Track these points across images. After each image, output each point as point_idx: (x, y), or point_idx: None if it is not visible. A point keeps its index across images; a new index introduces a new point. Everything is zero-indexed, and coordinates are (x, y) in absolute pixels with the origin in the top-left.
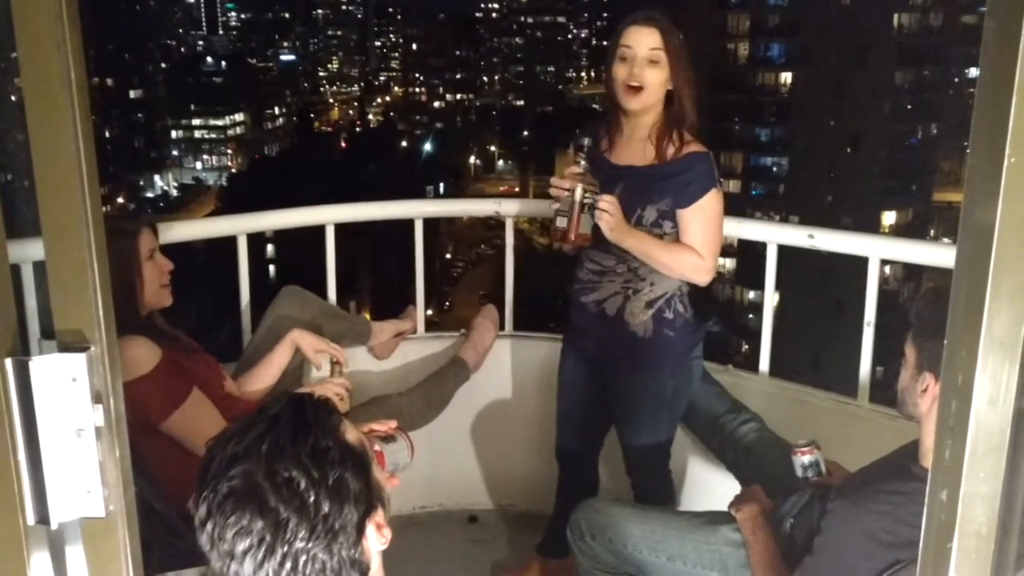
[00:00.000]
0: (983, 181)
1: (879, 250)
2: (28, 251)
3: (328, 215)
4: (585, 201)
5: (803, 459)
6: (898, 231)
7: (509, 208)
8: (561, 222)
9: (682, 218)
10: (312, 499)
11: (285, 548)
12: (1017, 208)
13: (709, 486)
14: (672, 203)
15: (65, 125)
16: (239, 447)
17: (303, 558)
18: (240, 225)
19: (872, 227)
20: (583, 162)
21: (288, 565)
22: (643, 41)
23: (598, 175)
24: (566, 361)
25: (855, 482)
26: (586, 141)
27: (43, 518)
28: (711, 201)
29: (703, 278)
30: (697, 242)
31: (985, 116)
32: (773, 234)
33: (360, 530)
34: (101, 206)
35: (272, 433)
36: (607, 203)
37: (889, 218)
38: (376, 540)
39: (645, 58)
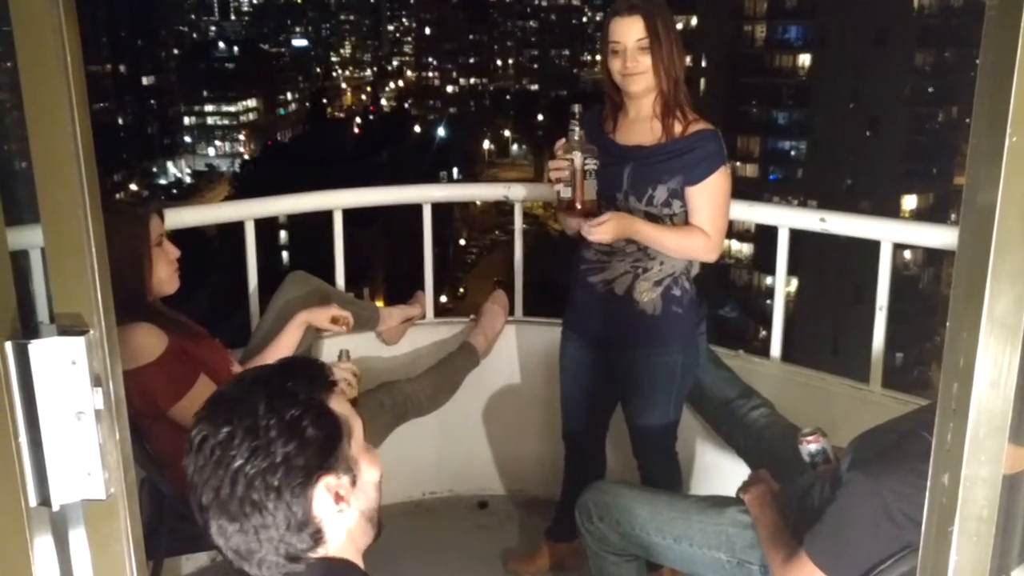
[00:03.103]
0: (985, 162)
1: (891, 233)
2: (35, 237)
3: (335, 200)
4: (587, 168)
5: (809, 447)
6: (918, 215)
7: (518, 192)
8: (566, 192)
9: (691, 196)
10: (263, 423)
11: (228, 464)
12: (1018, 188)
13: (719, 472)
14: (682, 181)
15: (62, 109)
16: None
17: (240, 482)
18: (247, 211)
19: (892, 211)
20: (578, 129)
21: (227, 487)
22: (629, 34)
23: (606, 157)
24: (569, 344)
25: (868, 450)
26: (577, 107)
27: (44, 500)
28: (720, 179)
29: (710, 256)
30: (705, 221)
31: (986, 96)
32: (785, 218)
33: (307, 480)
34: (99, 190)
35: (260, 372)
36: (601, 231)
37: (909, 202)
38: (328, 505)
39: (635, 49)
